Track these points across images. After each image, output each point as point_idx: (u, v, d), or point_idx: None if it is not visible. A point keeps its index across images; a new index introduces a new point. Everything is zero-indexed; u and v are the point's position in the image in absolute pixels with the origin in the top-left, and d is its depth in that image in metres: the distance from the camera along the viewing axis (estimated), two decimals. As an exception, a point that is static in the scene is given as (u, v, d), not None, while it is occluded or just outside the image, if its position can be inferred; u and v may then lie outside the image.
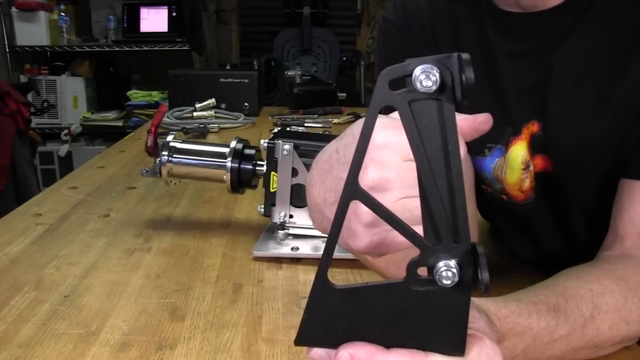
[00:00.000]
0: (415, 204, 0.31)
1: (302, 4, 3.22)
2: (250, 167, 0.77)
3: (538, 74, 0.60)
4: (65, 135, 3.19)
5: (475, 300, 0.41)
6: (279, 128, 1.52)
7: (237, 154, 0.77)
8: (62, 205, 0.93)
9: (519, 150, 0.63)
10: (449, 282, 0.30)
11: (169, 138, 0.80)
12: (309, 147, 0.75)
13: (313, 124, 1.76)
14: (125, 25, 3.35)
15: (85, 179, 1.10)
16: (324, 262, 0.32)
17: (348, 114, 1.87)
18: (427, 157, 0.29)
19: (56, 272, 0.68)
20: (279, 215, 0.75)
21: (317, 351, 0.34)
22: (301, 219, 0.76)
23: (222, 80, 1.90)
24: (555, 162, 0.61)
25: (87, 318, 0.58)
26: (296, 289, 0.65)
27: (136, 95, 3.23)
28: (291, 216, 0.76)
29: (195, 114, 1.75)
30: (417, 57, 0.29)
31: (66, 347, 0.52)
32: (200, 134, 1.57)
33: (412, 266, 0.31)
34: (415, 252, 0.31)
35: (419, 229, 0.30)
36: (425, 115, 0.29)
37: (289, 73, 2.40)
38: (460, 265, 0.30)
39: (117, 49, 3.27)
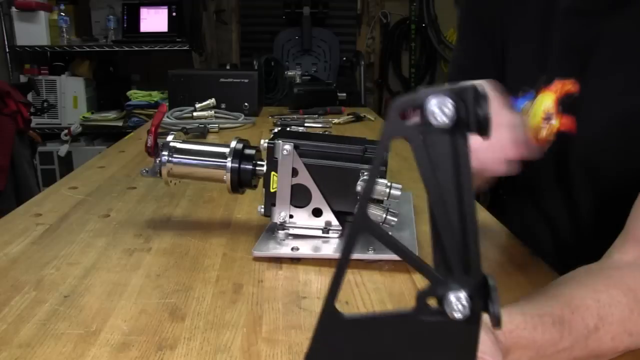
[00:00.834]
0: None
1: (302, 4, 3.22)
2: (250, 167, 0.77)
3: (589, 36, 0.61)
4: (65, 135, 3.19)
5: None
6: (279, 128, 1.52)
7: (237, 154, 0.77)
8: (62, 205, 0.93)
9: (545, 100, 0.65)
10: (459, 314, 0.29)
11: (169, 138, 0.80)
12: (309, 147, 0.75)
13: (313, 124, 1.76)
14: (125, 25, 3.35)
15: (85, 179, 1.10)
16: (333, 290, 0.31)
17: (348, 114, 1.87)
18: (439, 188, 0.29)
19: (56, 272, 0.68)
20: (279, 215, 0.75)
21: None
22: (301, 219, 0.76)
23: (222, 80, 1.90)
24: (581, 127, 0.61)
25: (87, 318, 0.58)
26: (296, 289, 0.65)
27: (136, 95, 3.23)
28: (291, 216, 0.76)
29: (195, 114, 1.75)
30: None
31: (66, 347, 0.52)
32: (200, 134, 1.57)
33: (422, 297, 0.30)
34: None
35: None
36: (438, 148, 0.28)
37: (289, 73, 2.40)
38: (470, 297, 0.29)
39: (117, 49, 3.27)
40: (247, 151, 0.78)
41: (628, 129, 0.59)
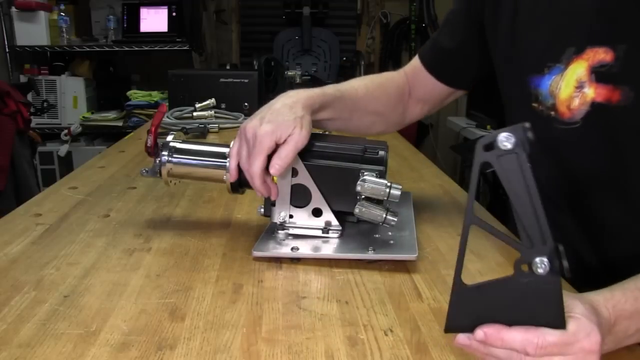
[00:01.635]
0: None
1: (302, 4, 3.22)
2: (250, 167, 0.76)
3: (623, 4, 0.61)
4: (65, 135, 3.19)
5: (584, 295, 0.50)
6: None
7: (237, 154, 0.77)
8: (62, 205, 0.93)
9: (577, 68, 0.65)
10: (542, 271, 0.44)
11: (169, 138, 0.80)
12: (309, 147, 0.75)
13: (313, 124, 1.76)
14: (125, 25, 3.35)
15: (85, 179, 1.10)
16: (458, 268, 0.45)
17: (348, 114, 1.87)
18: (515, 191, 0.44)
19: (56, 272, 0.68)
20: (278, 215, 0.75)
21: (461, 337, 0.47)
22: (301, 219, 0.76)
23: (222, 80, 1.90)
24: (624, 97, 0.61)
25: (87, 318, 0.58)
26: (296, 289, 0.65)
27: (136, 95, 3.23)
28: (291, 216, 0.76)
29: (195, 114, 1.75)
30: None
31: (66, 347, 0.52)
32: (200, 134, 1.57)
33: (517, 264, 0.45)
34: None
35: None
36: (509, 164, 0.44)
37: (289, 73, 2.40)
38: (549, 258, 0.44)
39: (117, 49, 3.27)
40: (247, 151, 0.77)
41: None
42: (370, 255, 0.71)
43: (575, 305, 0.46)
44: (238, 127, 1.72)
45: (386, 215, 0.72)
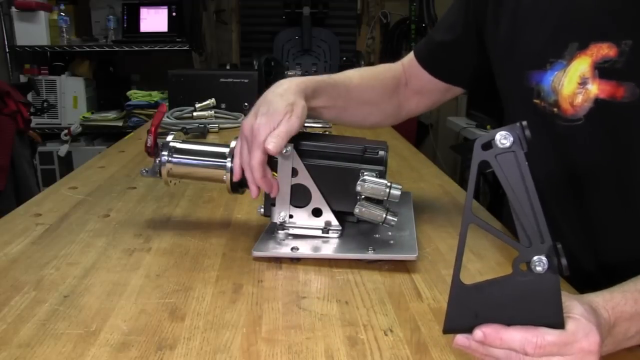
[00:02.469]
0: None
1: (302, 4, 3.22)
2: (250, 167, 0.76)
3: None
4: (65, 135, 3.19)
5: (583, 296, 0.51)
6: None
7: (237, 154, 0.77)
8: (62, 205, 0.93)
9: (580, 64, 0.64)
10: (541, 269, 0.44)
11: (169, 138, 0.80)
12: (309, 147, 0.75)
13: (313, 124, 1.76)
14: (125, 25, 3.35)
15: (85, 179, 1.10)
16: (457, 267, 0.45)
17: (348, 114, 1.87)
18: (513, 189, 0.44)
19: (56, 272, 0.68)
20: (279, 215, 0.75)
21: (459, 338, 0.47)
22: (301, 219, 0.76)
23: (222, 80, 1.90)
24: (629, 93, 0.61)
25: (86, 318, 0.58)
26: (296, 289, 0.65)
27: (136, 95, 3.23)
28: (291, 216, 0.76)
29: (195, 114, 1.75)
30: None
31: (66, 347, 0.52)
32: (200, 134, 1.57)
33: (515, 263, 0.45)
34: None
35: None
36: (507, 162, 0.44)
37: (289, 73, 2.40)
38: (547, 257, 0.44)
39: (117, 49, 3.27)
40: (247, 151, 0.77)
41: None
42: (370, 255, 0.71)
43: (574, 305, 0.46)
44: (238, 127, 1.73)
45: (386, 215, 0.72)
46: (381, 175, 0.73)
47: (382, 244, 0.74)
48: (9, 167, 2.10)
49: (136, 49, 3.22)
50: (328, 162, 0.75)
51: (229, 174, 0.76)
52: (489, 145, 0.44)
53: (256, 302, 0.61)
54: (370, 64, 3.68)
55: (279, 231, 0.76)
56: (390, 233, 0.77)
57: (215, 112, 1.77)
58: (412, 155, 1.38)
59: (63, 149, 3.16)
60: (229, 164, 0.76)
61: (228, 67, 3.10)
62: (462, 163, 3.28)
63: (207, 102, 1.80)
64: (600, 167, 0.68)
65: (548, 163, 0.73)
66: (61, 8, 3.24)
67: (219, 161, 0.77)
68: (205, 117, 1.74)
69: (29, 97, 2.64)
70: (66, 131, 3.20)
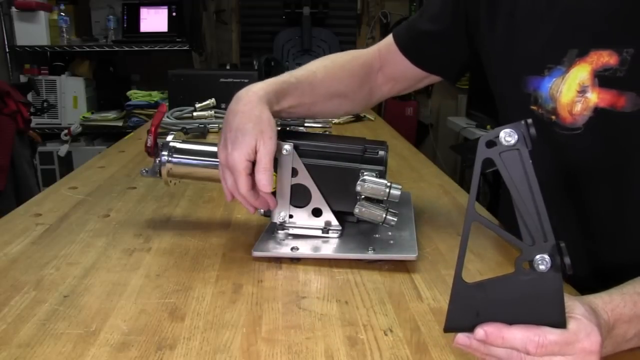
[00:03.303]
0: None
1: (302, 4, 3.23)
2: (250, 167, 0.76)
3: (630, 5, 0.59)
4: (65, 135, 3.20)
5: (583, 297, 0.50)
6: (279, 128, 1.52)
7: (237, 154, 0.77)
8: (62, 205, 0.93)
9: (579, 72, 0.63)
10: (544, 268, 0.44)
11: (169, 138, 0.80)
12: (309, 147, 0.75)
13: (313, 124, 1.76)
14: (125, 25, 3.35)
15: (85, 179, 1.10)
16: (459, 266, 0.45)
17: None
18: (517, 187, 0.44)
19: (56, 272, 0.68)
20: (278, 215, 0.75)
21: (460, 336, 0.46)
22: (301, 219, 0.76)
23: (222, 80, 1.90)
24: (630, 103, 0.60)
25: (86, 318, 0.58)
26: (296, 289, 0.65)
27: (136, 95, 3.23)
28: (291, 216, 0.76)
29: (195, 114, 1.75)
30: None
31: (66, 347, 0.52)
32: (200, 134, 1.57)
33: (518, 261, 0.45)
34: None
35: None
36: (511, 160, 0.44)
37: (289, 73, 2.40)
38: (550, 255, 0.44)
39: (117, 49, 3.27)
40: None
41: None
42: (370, 255, 0.71)
43: (575, 306, 0.46)
44: (238, 127, 1.72)
45: (386, 215, 0.72)
46: (381, 175, 0.73)
47: (382, 244, 0.74)
48: (9, 167, 2.10)
49: (136, 49, 3.22)
50: (328, 162, 0.75)
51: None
52: (493, 142, 0.44)
53: (256, 302, 0.61)
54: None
55: (279, 231, 0.76)
56: (390, 233, 0.77)
57: (215, 112, 1.77)
58: (412, 155, 1.38)
59: (63, 149, 3.16)
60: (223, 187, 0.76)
61: (228, 67, 3.11)
62: (462, 163, 3.28)
63: (207, 102, 1.80)
64: (599, 176, 0.67)
65: (545, 170, 0.72)
66: (61, 8, 3.24)
67: (219, 161, 0.77)
68: (205, 117, 1.74)
69: (29, 97, 2.64)
70: (66, 131, 3.20)
